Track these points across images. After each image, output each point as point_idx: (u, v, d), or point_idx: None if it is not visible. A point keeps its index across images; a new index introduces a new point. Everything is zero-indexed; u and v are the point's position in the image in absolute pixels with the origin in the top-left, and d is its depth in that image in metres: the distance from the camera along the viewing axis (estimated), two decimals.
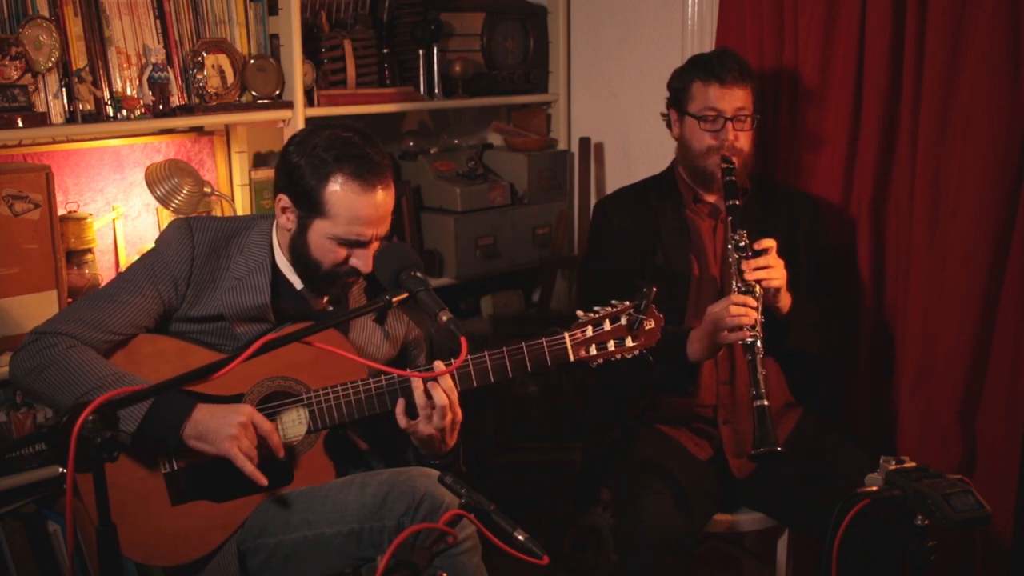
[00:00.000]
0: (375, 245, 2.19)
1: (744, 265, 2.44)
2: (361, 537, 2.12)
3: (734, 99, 2.61)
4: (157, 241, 2.27)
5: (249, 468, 2.04)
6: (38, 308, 2.58)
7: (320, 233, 2.16)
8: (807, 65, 2.93)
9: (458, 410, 2.14)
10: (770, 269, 2.45)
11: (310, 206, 2.15)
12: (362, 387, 2.18)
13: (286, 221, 2.20)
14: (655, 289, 2.21)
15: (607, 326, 2.20)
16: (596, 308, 2.22)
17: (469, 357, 2.14)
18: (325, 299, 2.31)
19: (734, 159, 2.58)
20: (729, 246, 2.48)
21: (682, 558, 2.34)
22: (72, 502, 1.57)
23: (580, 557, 3.21)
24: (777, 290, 2.47)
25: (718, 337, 2.43)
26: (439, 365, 2.12)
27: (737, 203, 2.52)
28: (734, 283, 2.45)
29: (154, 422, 2.04)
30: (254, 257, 2.24)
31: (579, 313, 2.21)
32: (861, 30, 2.82)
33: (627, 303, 2.22)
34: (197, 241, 2.22)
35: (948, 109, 2.69)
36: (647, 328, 2.21)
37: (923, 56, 2.72)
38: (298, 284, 2.27)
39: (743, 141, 2.63)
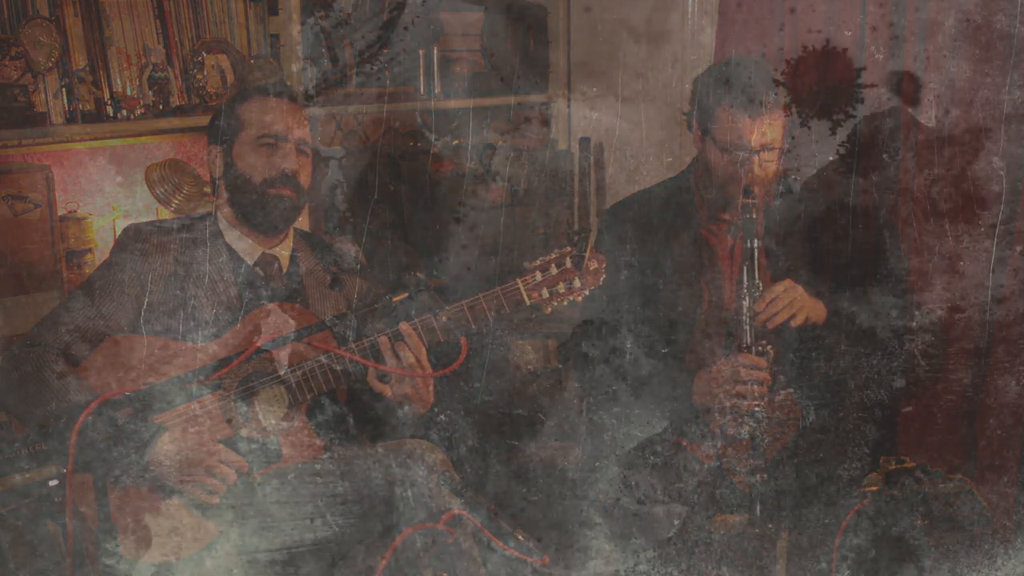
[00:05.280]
0: (295, 153, 2.36)
1: (758, 321, 2.41)
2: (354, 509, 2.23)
3: (762, 134, 2.42)
4: (112, 251, 2.34)
5: (204, 500, 2.14)
6: (38, 308, 2.57)
7: (242, 147, 2.34)
8: (807, 64, 2.92)
9: (427, 365, 2.24)
10: (784, 310, 2.42)
11: (228, 133, 2.35)
12: (334, 356, 2.24)
13: (217, 168, 2.38)
14: (592, 231, 2.24)
15: (554, 270, 2.29)
16: (541, 256, 2.29)
17: (431, 313, 2.27)
18: (280, 269, 2.40)
19: (756, 189, 2.44)
20: (744, 302, 2.43)
21: (682, 555, 2.34)
22: (72, 502, 1.58)
23: (579, 556, 3.20)
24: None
25: (724, 401, 2.43)
26: (405, 327, 2.21)
27: (758, 244, 2.43)
28: (745, 339, 2.42)
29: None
30: (209, 243, 2.35)
31: (525, 264, 2.29)
32: (861, 29, 2.82)
33: (568, 248, 2.32)
34: (152, 241, 2.31)
35: (948, 109, 2.69)
36: (591, 268, 2.31)
37: (923, 55, 2.72)
38: (249, 259, 2.38)
39: (769, 168, 2.47)
